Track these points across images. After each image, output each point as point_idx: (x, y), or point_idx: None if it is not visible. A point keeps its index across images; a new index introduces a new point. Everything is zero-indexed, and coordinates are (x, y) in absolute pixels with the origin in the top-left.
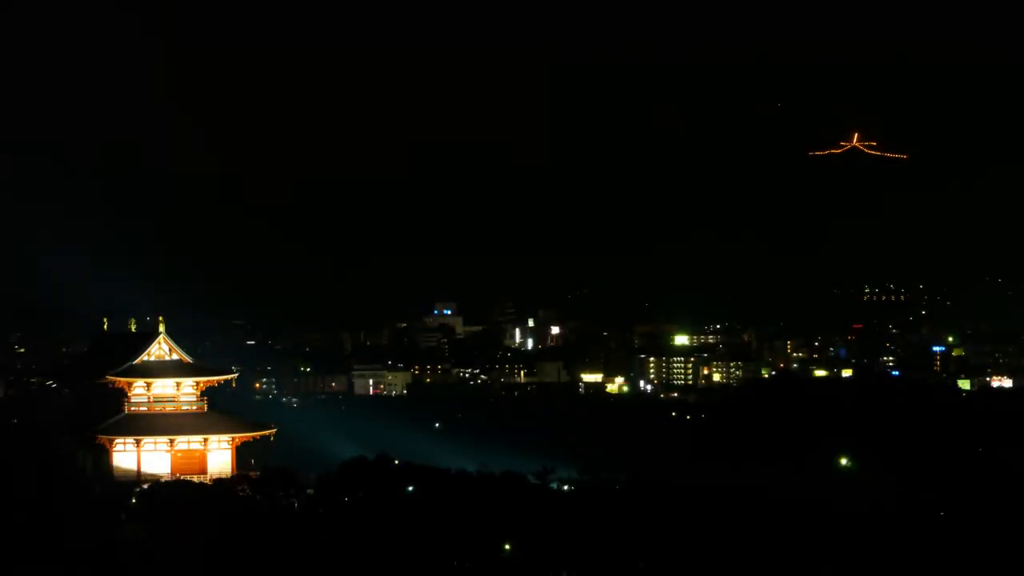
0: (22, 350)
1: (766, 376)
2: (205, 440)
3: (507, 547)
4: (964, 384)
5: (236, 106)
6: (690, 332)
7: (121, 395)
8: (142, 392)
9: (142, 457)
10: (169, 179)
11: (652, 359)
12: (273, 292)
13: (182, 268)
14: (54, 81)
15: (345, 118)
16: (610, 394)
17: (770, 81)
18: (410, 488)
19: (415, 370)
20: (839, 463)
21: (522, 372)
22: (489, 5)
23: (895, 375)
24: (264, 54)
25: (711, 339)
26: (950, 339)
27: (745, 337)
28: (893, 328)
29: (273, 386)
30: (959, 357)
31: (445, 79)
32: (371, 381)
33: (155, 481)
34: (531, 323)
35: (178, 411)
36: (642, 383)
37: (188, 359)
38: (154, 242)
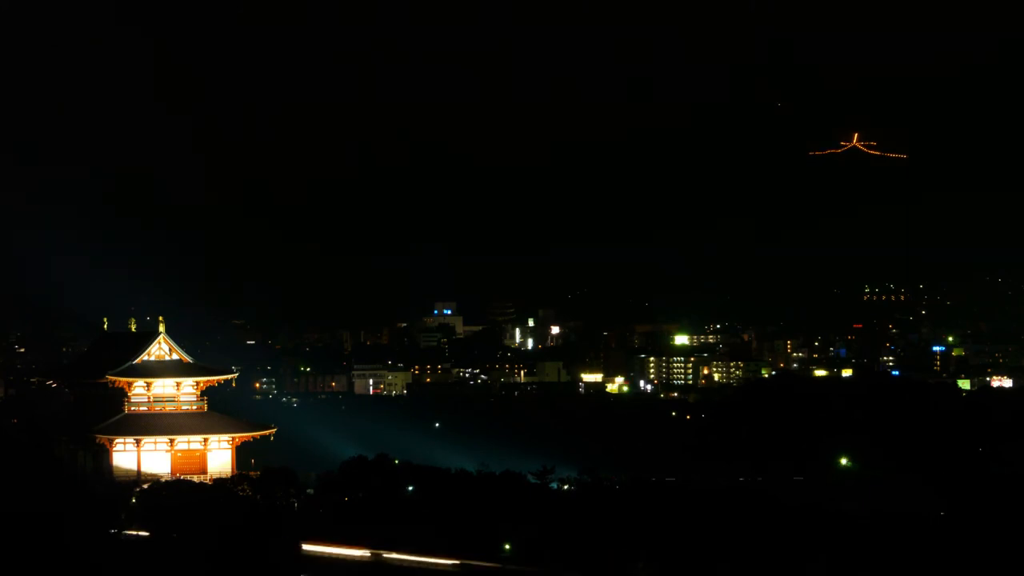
0: (22, 350)
1: (766, 376)
2: (205, 440)
3: (507, 547)
4: (964, 384)
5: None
6: (690, 332)
7: (121, 395)
8: (142, 392)
9: (142, 457)
10: (170, 180)
11: (652, 359)
12: (273, 291)
13: (182, 268)
14: (60, 86)
15: (348, 118)
16: (610, 394)
17: (770, 81)
18: (410, 488)
19: (415, 370)
20: (839, 463)
21: (522, 372)
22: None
23: (895, 375)
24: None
25: (711, 339)
26: (950, 339)
27: (745, 337)
28: (893, 328)
29: (273, 386)
30: (959, 357)
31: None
32: (371, 381)
33: (155, 481)
34: (531, 323)
35: (178, 411)
36: (642, 383)
37: (188, 359)
38: (155, 242)
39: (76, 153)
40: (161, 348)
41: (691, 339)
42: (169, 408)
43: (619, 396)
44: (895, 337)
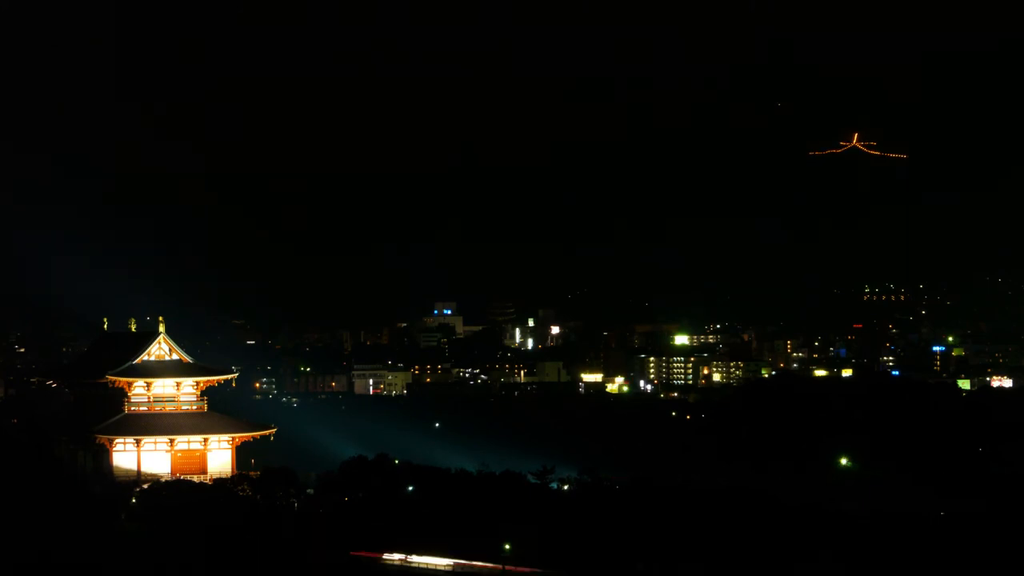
0: (22, 350)
1: (766, 376)
2: (205, 440)
3: (507, 547)
4: (964, 384)
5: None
6: (690, 332)
7: (121, 395)
8: (142, 392)
9: (142, 457)
10: (168, 179)
11: (652, 359)
12: (274, 291)
13: (182, 268)
14: (60, 85)
15: (348, 115)
16: (610, 394)
17: (771, 80)
18: (410, 488)
19: (415, 370)
20: (839, 463)
21: (522, 372)
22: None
23: (895, 375)
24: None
25: (711, 339)
26: (950, 339)
27: (745, 337)
28: (893, 328)
29: (273, 386)
30: (959, 357)
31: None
32: (371, 381)
33: (155, 481)
34: (531, 323)
35: (178, 411)
36: (642, 383)
37: (188, 359)
38: (155, 241)
39: (76, 153)
40: (161, 348)
41: (691, 339)
42: (169, 408)
43: (619, 396)
44: (895, 337)
